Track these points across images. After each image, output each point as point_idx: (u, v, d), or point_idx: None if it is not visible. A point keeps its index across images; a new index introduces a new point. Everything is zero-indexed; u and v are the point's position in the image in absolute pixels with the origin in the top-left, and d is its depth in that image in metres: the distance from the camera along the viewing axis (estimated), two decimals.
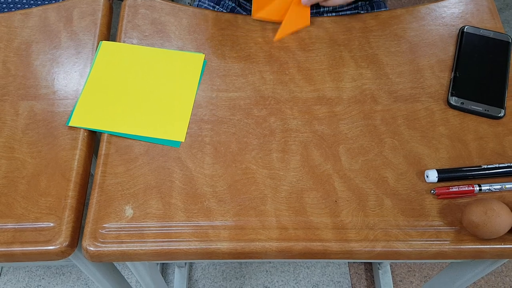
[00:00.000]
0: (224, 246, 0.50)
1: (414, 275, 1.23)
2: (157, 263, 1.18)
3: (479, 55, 0.64)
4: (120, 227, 0.51)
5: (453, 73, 0.62)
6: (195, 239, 0.50)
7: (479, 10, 0.69)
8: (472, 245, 0.50)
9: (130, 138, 0.58)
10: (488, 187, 0.53)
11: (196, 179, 0.55)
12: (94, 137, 0.60)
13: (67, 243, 0.50)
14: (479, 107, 0.59)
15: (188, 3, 1.64)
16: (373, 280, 1.22)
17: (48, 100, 0.61)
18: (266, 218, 0.52)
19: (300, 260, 1.22)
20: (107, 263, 0.68)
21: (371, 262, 1.24)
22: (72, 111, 0.59)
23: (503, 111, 0.59)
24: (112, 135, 0.58)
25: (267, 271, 1.22)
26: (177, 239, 0.50)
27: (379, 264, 1.19)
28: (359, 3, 0.81)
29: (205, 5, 0.83)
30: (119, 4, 0.72)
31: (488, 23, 0.67)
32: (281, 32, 0.66)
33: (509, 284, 1.21)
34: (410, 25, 0.68)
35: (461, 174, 0.54)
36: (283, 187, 0.54)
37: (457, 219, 0.52)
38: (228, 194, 0.54)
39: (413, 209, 0.53)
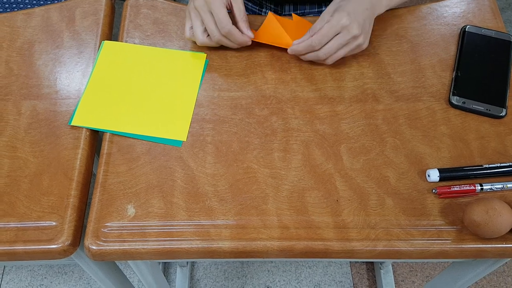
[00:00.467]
0: (225, 245, 0.50)
1: (416, 275, 1.23)
2: (159, 262, 1.18)
3: (481, 54, 0.64)
4: (122, 226, 0.51)
5: (454, 72, 0.62)
6: (197, 238, 0.51)
7: (480, 10, 0.69)
8: (473, 245, 0.50)
9: (132, 138, 0.58)
10: (489, 187, 0.53)
11: (197, 178, 0.55)
12: (96, 136, 0.60)
13: (69, 242, 0.51)
14: (480, 107, 0.59)
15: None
16: (375, 280, 1.22)
17: (51, 99, 0.61)
18: (268, 217, 0.52)
19: (302, 260, 1.22)
20: (109, 262, 0.68)
21: (373, 262, 1.24)
22: (74, 111, 0.60)
23: (504, 110, 0.59)
24: (114, 134, 0.58)
25: (268, 271, 1.22)
26: (179, 238, 0.51)
27: (381, 263, 1.19)
28: None
29: None
30: (121, 4, 0.72)
31: (490, 23, 0.67)
32: (264, 39, 0.64)
33: (511, 284, 1.20)
34: (411, 25, 0.68)
35: (463, 173, 0.54)
36: (285, 186, 0.54)
37: (459, 219, 0.52)
38: (229, 193, 0.54)
39: (414, 208, 0.53)
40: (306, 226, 0.52)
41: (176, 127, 0.59)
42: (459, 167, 0.55)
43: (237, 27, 0.61)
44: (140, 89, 0.62)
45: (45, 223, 0.52)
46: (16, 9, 0.90)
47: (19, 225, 0.52)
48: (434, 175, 0.54)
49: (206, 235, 0.51)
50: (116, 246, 0.50)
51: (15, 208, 0.53)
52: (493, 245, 0.50)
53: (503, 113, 0.59)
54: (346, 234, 0.51)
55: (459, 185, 0.53)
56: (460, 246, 0.50)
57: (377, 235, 0.51)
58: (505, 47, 0.64)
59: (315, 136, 0.58)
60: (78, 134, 0.58)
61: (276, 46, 0.64)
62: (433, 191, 0.54)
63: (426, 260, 1.19)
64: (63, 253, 0.51)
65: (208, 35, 0.61)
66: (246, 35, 0.61)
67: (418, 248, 0.50)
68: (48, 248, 0.50)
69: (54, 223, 0.51)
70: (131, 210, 0.53)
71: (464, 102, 0.59)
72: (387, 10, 0.70)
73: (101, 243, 0.50)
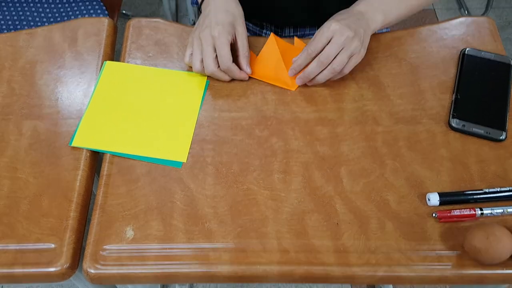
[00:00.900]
0: (224, 269, 0.50)
1: None
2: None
3: (481, 77, 0.64)
4: (121, 249, 0.51)
5: (454, 95, 0.63)
6: (196, 262, 0.50)
7: (480, 32, 0.69)
8: (474, 270, 0.50)
9: (132, 159, 0.58)
10: (490, 211, 0.53)
11: (197, 200, 0.55)
12: (96, 156, 0.60)
13: (68, 264, 0.50)
14: (480, 130, 0.59)
15: (192, 23, 1.65)
16: None
17: (52, 119, 0.61)
18: (267, 240, 0.52)
19: None
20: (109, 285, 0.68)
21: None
22: (75, 131, 0.60)
23: (504, 133, 0.59)
24: (114, 155, 0.58)
25: None
26: (178, 262, 0.50)
27: (381, 287, 1.18)
28: None
29: None
30: (124, 24, 0.73)
31: (489, 45, 0.68)
32: (261, 74, 0.65)
33: None
34: (411, 47, 0.68)
35: (463, 197, 0.54)
36: (285, 209, 0.54)
37: (459, 243, 0.52)
38: (229, 216, 0.54)
39: (414, 233, 0.52)
40: (306, 250, 0.51)
41: (176, 148, 0.59)
42: (459, 191, 0.55)
43: (237, 61, 0.64)
44: (141, 110, 0.62)
45: (44, 245, 0.51)
46: (19, 28, 0.91)
47: (18, 247, 0.51)
48: (434, 199, 0.53)
49: (205, 259, 0.51)
50: (114, 270, 0.50)
51: (14, 230, 0.52)
52: (493, 271, 0.50)
53: (503, 137, 0.59)
54: (346, 259, 0.51)
55: (459, 209, 0.53)
56: (461, 272, 0.50)
57: (378, 260, 0.50)
58: (505, 70, 0.65)
59: (315, 158, 0.58)
60: (79, 155, 0.58)
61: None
62: (433, 215, 0.53)
63: (427, 286, 1.18)
64: (62, 276, 0.50)
65: None
66: (244, 71, 0.64)
67: (419, 274, 0.50)
68: (47, 271, 0.50)
69: (53, 246, 0.51)
70: (130, 233, 0.52)
71: (464, 125, 0.60)
72: (386, 32, 0.71)
73: (100, 266, 0.50)
